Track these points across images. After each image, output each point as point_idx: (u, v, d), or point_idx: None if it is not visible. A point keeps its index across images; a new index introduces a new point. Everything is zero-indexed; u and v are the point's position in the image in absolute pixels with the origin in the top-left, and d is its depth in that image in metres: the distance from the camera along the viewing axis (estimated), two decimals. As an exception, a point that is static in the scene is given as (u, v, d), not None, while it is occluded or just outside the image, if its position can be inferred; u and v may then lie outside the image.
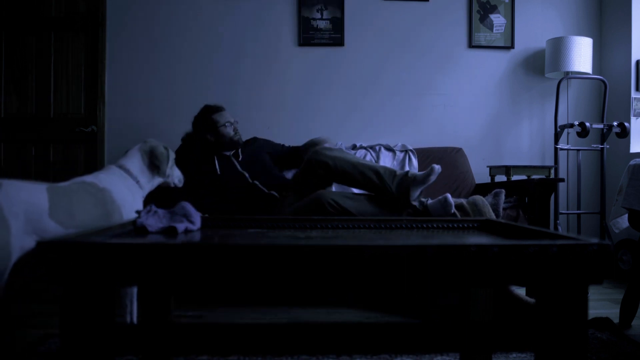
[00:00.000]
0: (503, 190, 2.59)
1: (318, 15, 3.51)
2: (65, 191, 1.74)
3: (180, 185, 2.24)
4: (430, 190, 3.00)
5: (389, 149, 3.34)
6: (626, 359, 1.73)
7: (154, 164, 2.07)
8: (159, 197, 2.20)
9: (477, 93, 3.61)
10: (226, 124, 2.90)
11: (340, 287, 0.83)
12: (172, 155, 2.17)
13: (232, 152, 2.94)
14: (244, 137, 3.04)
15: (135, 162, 2.04)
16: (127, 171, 1.99)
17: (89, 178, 1.87)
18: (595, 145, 3.44)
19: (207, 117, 2.93)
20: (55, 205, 1.67)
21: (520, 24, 3.62)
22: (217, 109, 2.96)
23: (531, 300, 2.12)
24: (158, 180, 2.12)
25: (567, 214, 3.44)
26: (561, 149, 3.43)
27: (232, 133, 2.91)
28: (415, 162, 3.26)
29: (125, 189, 1.93)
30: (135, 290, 1.99)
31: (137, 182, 2.00)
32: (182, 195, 2.33)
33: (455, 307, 2.27)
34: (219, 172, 2.82)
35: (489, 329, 0.93)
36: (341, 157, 2.50)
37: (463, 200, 2.51)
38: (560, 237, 0.95)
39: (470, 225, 1.41)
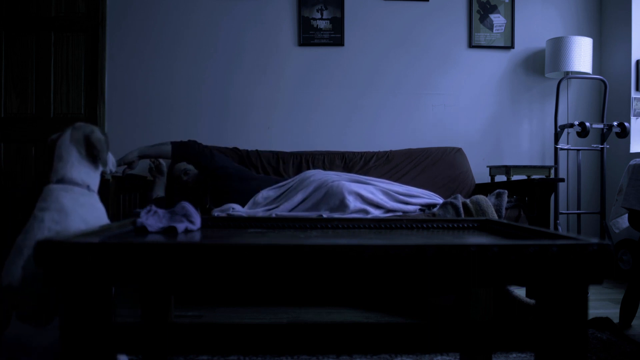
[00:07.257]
0: (506, 191, 2.58)
1: (318, 15, 3.51)
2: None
3: (114, 170, 1.83)
4: (431, 190, 3.00)
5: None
6: (626, 359, 1.73)
7: (92, 154, 1.66)
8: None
9: (477, 93, 3.61)
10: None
11: (340, 287, 0.83)
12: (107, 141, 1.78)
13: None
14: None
15: (75, 164, 1.62)
16: (72, 183, 1.58)
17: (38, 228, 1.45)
18: (595, 145, 3.44)
19: None
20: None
21: (520, 24, 3.62)
22: None
23: (531, 301, 2.12)
24: (99, 172, 1.72)
25: (567, 214, 3.43)
26: (561, 149, 3.42)
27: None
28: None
29: (83, 212, 1.54)
30: None
31: (88, 187, 1.62)
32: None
33: (454, 307, 2.26)
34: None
35: (489, 329, 0.93)
36: None
37: (467, 200, 2.50)
38: (560, 237, 0.95)
39: (470, 225, 1.41)
